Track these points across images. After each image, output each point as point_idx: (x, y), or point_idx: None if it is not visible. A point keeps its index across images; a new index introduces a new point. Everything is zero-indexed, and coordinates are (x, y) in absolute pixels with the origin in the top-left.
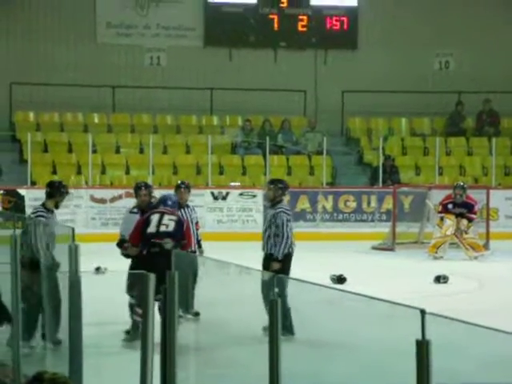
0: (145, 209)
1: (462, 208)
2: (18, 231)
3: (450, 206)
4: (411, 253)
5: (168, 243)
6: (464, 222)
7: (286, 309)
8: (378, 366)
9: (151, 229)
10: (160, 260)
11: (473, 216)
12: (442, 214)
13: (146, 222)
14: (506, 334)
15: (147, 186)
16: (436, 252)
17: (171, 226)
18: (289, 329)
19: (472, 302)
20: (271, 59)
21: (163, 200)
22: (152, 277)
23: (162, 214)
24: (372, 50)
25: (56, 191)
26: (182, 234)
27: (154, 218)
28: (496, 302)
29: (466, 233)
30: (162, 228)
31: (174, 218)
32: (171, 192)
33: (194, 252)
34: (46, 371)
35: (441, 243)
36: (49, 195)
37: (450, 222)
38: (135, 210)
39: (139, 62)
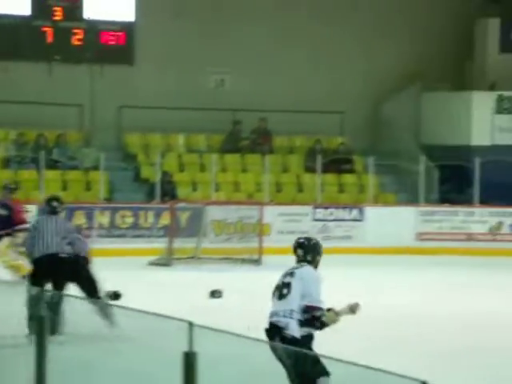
0: None
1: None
2: None
3: None
4: (188, 268)
5: None
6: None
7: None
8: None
9: None
10: None
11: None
12: None
13: None
14: (269, 345)
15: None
16: None
17: None
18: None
19: (243, 316)
20: (46, 72)
21: None
22: None
23: None
24: (149, 67)
25: None
26: None
27: None
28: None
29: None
30: None
31: None
32: None
33: None
34: None
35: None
36: None
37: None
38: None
39: None
